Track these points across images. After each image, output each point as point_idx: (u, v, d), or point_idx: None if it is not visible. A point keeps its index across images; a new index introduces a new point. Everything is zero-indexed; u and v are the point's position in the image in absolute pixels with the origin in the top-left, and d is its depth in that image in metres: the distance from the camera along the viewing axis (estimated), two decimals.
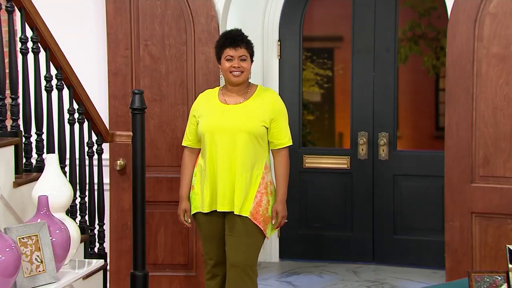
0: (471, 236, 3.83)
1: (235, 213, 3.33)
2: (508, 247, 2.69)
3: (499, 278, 2.71)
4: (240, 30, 3.44)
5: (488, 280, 2.72)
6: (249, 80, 3.48)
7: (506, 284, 2.67)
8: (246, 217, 3.33)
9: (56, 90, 3.35)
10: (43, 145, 3.28)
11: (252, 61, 3.43)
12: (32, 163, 3.24)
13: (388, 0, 4.99)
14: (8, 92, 3.12)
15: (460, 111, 3.84)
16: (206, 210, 3.38)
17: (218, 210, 3.36)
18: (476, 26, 3.78)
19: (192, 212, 3.46)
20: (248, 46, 3.39)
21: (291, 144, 3.49)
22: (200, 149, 3.47)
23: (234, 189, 3.33)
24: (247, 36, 3.42)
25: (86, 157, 3.55)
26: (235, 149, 3.32)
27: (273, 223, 3.41)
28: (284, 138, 3.43)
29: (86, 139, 3.56)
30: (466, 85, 3.82)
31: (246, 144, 3.32)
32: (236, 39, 3.36)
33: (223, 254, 3.45)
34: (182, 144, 3.53)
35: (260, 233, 3.39)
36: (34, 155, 3.27)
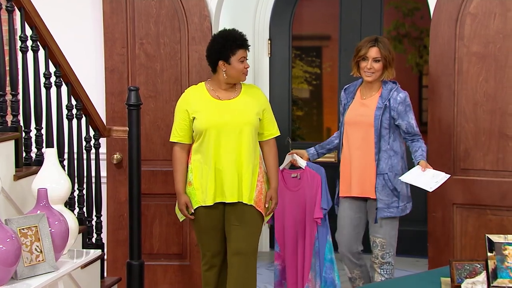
0: (452, 226, 3.90)
1: (244, 202, 3.37)
2: (487, 237, 2.72)
3: (479, 266, 2.75)
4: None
5: (468, 268, 2.75)
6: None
7: (485, 271, 2.70)
8: (251, 205, 3.39)
9: (54, 86, 3.38)
10: (43, 139, 3.31)
11: None
12: (31, 157, 3.26)
13: (373, 1, 5.05)
14: (8, 88, 3.14)
15: (442, 107, 3.89)
16: (209, 203, 3.39)
17: (227, 202, 3.39)
18: (457, 25, 3.83)
19: (194, 207, 3.44)
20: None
21: (279, 134, 3.57)
22: (190, 144, 3.46)
23: (242, 180, 3.37)
24: None
25: (84, 151, 3.57)
26: (240, 142, 3.37)
27: (267, 206, 3.48)
28: (273, 128, 3.53)
29: (84, 134, 3.59)
30: (448, 82, 3.86)
31: (249, 137, 3.39)
32: (246, 41, 3.40)
33: (221, 245, 3.49)
34: (171, 140, 3.46)
35: (262, 219, 3.47)
36: (34, 149, 3.29)
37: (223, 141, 3.37)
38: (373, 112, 3.57)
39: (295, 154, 3.80)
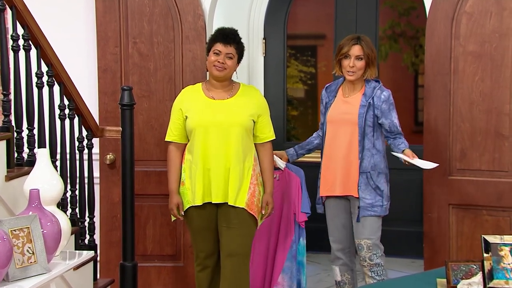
0: (448, 226, 3.90)
1: (229, 204, 3.36)
2: (483, 237, 2.73)
3: (475, 266, 2.75)
4: (236, 30, 3.45)
5: (464, 268, 2.75)
6: (237, 80, 3.52)
7: (481, 272, 2.70)
8: (242, 208, 3.37)
9: (47, 86, 3.36)
10: (35, 140, 3.28)
11: (239, 62, 3.45)
12: (23, 157, 3.24)
13: (369, 0, 5.05)
14: (0, 88, 3.14)
15: (438, 106, 3.89)
16: (198, 203, 3.39)
17: (212, 202, 3.38)
18: (453, 24, 3.83)
19: (185, 208, 3.44)
20: (238, 46, 3.41)
21: (275, 138, 3.55)
22: (185, 144, 3.47)
23: (228, 180, 3.36)
24: (240, 38, 3.44)
25: (77, 151, 3.55)
26: (228, 143, 3.36)
27: (263, 213, 3.48)
28: (269, 132, 3.51)
29: (76, 134, 3.57)
30: (444, 82, 3.86)
31: (238, 138, 3.37)
32: (228, 37, 3.38)
33: (214, 246, 3.48)
34: (166, 139, 3.48)
35: (254, 222, 3.45)
36: (26, 150, 3.28)
37: (211, 141, 3.37)
38: (356, 110, 3.55)
39: (274, 155, 3.77)
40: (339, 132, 3.60)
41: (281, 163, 3.76)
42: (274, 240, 3.78)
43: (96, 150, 3.91)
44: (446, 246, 3.91)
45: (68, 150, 3.50)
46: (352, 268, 3.74)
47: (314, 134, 3.87)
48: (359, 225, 3.58)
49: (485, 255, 2.71)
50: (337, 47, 3.64)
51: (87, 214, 3.64)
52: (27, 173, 2.93)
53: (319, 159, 3.77)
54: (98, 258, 3.94)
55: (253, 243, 3.79)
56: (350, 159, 3.56)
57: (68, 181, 3.47)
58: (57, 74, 3.41)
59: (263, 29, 5.18)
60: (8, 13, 3.21)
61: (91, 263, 3.54)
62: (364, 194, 3.54)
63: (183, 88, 3.67)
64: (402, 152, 3.50)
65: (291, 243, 3.70)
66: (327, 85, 3.80)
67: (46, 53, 3.33)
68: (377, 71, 3.63)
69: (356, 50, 3.55)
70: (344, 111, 3.60)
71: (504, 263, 2.69)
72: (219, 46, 3.37)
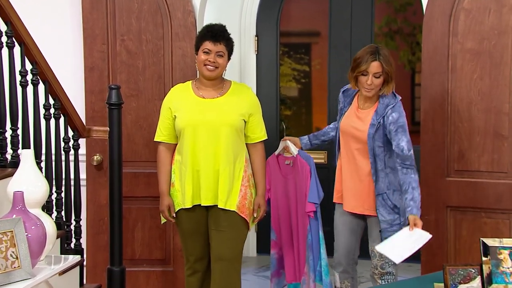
0: (446, 229, 3.87)
1: (219, 206, 3.33)
2: (482, 240, 2.70)
3: (473, 270, 2.71)
4: (224, 26, 3.40)
5: (462, 273, 2.71)
6: (225, 77, 3.47)
7: (479, 276, 2.68)
8: (233, 211, 3.33)
9: (31, 85, 3.34)
10: (18, 140, 3.28)
11: (229, 58, 3.40)
12: (7, 158, 3.23)
13: None
14: None
15: (435, 106, 3.86)
16: (188, 206, 3.36)
17: (202, 204, 3.35)
18: (451, 21, 3.80)
19: (175, 210, 3.41)
20: (228, 43, 3.36)
21: (267, 138, 3.50)
22: (175, 144, 3.44)
23: (218, 182, 3.32)
24: (229, 34, 3.39)
25: (62, 152, 3.53)
26: (218, 143, 3.31)
27: (255, 216, 3.44)
28: (260, 132, 3.46)
29: (62, 134, 3.55)
30: (441, 80, 3.83)
31: (228, 138, 3.32)
32: (217, 34, 3.32)
33: (205, 249, 3.46)
34: (156, 140, 3.46)
35: (245, 225, 3.41)
36: (9, 151, 3.25)
37: (200, 141, 3.32)
38: (366, 128, 3.42)
39: (288, 141, 3.70)
40: (349, 145, 3.50)
41: (294, 149, 3.70)
42: (296, 230, 3.74)
43: (82, 151, 3.89)
44: (443, 249, 3.88)
45: (53, 151, 3.48)
46: (353, 276, 3.68)
47: (331, 125, 3.77)
48: (374, 234, 3.51)
49: (483, 258, 2.69)
50: (353, 60, 3.47)
51: (73, 217, 3.61)
52: (11, 174, 2.90)
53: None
54: (85, 263, 3.92)
55: (279, 235, 3.77)
56: (362, 182, 3.45)
57: (54, 183, 3.45)
58: (42, 72, 3.38)
59: (255, 26, 5.17)
60: None
61: (78, 268, 3.51)
62: (383, 216, 3.43)
63: (172, 87, 3.64)
64: (407, 217, 3.31)
65: (306, 233, 3.63)
66: (345, 87, 3.63)
67: (30, 51, 3.31)
68: (394, 86, 3.45)
69: (374, 67, 3.38)
70: (355, 126, 3.48)
71: (503, 267, 2.66)
72: (208, 45, 3.32)
